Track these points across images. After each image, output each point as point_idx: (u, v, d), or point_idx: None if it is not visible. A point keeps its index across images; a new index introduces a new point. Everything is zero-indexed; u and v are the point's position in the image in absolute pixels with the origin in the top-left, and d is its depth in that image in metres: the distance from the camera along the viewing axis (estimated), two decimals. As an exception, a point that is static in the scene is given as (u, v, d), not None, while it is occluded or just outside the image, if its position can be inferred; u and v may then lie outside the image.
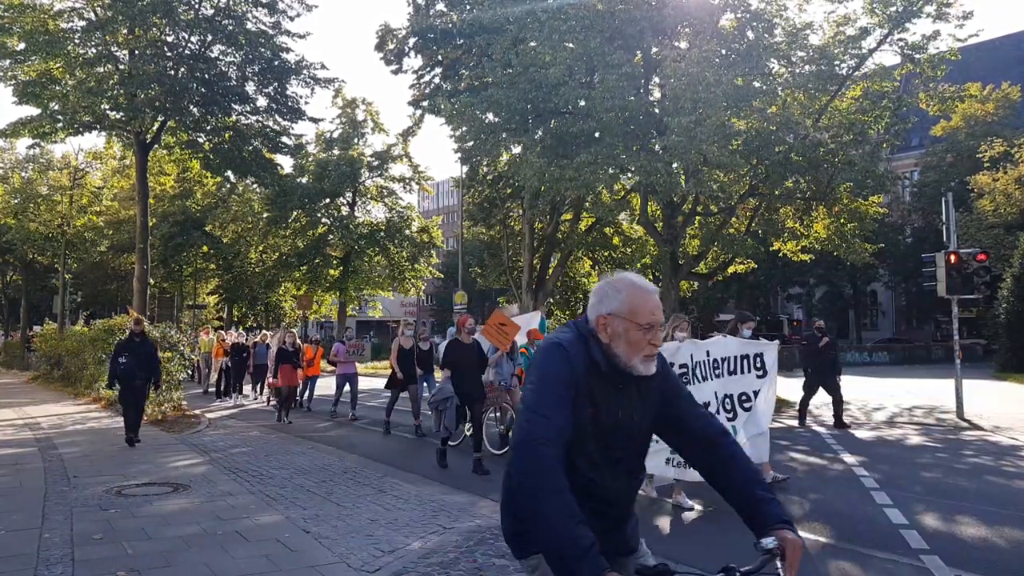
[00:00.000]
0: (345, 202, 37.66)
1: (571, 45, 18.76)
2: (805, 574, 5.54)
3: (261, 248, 40.87)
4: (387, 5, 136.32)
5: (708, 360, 7.27)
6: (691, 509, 7.24)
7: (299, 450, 10.74)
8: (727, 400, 7.36)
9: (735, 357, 7.56)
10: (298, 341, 15.47)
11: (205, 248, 38.20)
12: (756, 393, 7.62)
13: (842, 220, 20.80)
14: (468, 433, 10.52)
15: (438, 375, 13.73)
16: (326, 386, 18.08)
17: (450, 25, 24.03)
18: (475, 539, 6.00)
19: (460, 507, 7.19)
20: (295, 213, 35.91)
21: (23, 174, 35.77)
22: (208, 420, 14.36)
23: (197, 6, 22.98)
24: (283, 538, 6.03)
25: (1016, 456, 10.40)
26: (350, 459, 10.03)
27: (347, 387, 15.13)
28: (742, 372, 7.58)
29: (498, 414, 11.24)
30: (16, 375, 29.16)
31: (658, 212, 21.58)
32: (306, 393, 16.76)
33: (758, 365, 7.67)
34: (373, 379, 24.31)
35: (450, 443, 10.27)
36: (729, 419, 7.18)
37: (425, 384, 13.30)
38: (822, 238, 21.44)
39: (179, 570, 5.27)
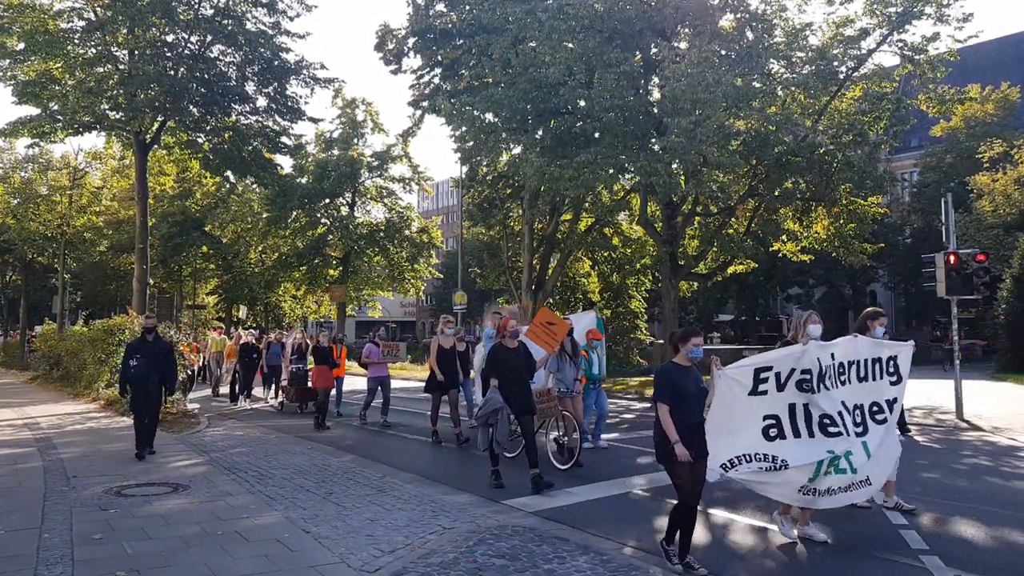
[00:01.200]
0: (345, 202, 37.66)
1: (571, 45, 18.77)
2: (805, 574, 5.55)
3: (261, 248, 40.87)
4: (387, 5, 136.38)
5: (834, 364, 6.16)
6: (823, 542, 6.09)
7: (299, 450, 10.74)
8: (857, 412, 6.20)
9: (865, 360, 6.39)
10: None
11: (205, 248, 38.18)
12: (891, 403, 6.41)
13: (841, 221, 20.83)
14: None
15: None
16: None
17: (450, 25, 24.04)
18: (475, 539, 6.01)
19: (460, 507, 7.19)
20: (295, 213, 35.89)
21: (23, 174, 35.76)
22: (208, 420, 14.36)
23: (196, 6, 22.99)
24: (283, 538, 6.03)
25: (1015, 456, 10.40)
26: (350, 459, 10.02)
27: (379, 391, 13.86)
28: (874, 378, 6.39)
29: (562, 424, 9.75)
30: (16, 375, 29.15)
31: (658, 212, 21.61)
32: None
33: (891, 369, 6.48)
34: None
35: (507, 454, 9.53)
36: (859, 434, 6.09)
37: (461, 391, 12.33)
38: (821, 239, 21.48)
39: (179, 570, 5.28)
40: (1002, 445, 11.48)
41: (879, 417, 6.33)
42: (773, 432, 5.94)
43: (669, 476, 5.44)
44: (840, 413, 6.07)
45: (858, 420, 6.18)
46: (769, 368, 5.96)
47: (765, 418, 5.95)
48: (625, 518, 7.00)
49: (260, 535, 6.13)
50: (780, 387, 5.96)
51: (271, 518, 6.70)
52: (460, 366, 12.05)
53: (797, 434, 5.96)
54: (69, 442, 11.24)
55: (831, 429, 6.00)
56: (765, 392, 5.93)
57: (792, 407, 5.99)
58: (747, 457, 5.87)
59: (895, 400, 6.49)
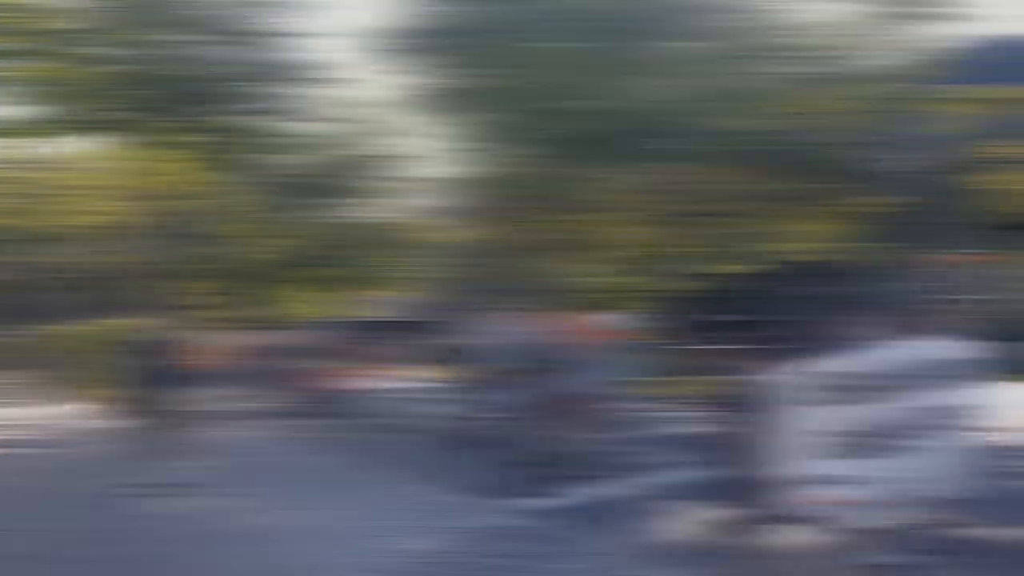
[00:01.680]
0: (344, 201, 37.65)
1: (572, 45, 18.79)
2: (805, 574, 5.55)
3: (261, 248, 40.84)
4: (387, 5, 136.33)
5: (900, 370, 5.98)
6: (903, 567, 5.62)
7: (301, 450, 10.74)
8: (918, 418, 6.04)
9: (927, 362, 6.23)
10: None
11: (205, 248, 38.15)
12: (949, 409, 6.31)
13: (842, 221, 20.88)
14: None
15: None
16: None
17: (450, 25, 24.03)
18: (475, 539, 6.01)
19: (461, 507, 7.19)
20: (295, 212, 35.89)
21: (22, 174, 35.71)
22: (210, 420, 14.33)
23: (197, 6, 22.96)
24: (283, 538, 6.04)
25: (1016, 456, 10.40)
26: (352, 459, 10.01)
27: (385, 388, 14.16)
28: (932, 385, 6.23)
29: (588, 427, 9.59)
30: (15, 375, 29.14)
31: (656, 211, 21.64)
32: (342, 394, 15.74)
33: (950, 372, 6.36)
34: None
35: (527, 457, 9.22)
36: (917, 440, 5.91)
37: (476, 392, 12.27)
38: (822, 239, 21.54)
39: (179, 570, 5.28)
40: (1003, 445, 11.47)
41: (938, 421, 6.11)
42: (844, 450, 5.57)
43: (737, 491, 5.34)
44: (911, 422, 5.86)
45: (919, 426, 5.98)
46: (830, 373, 5.64)
47: (834, 433, 5.56)
48: (625, 518, 7.00)
49: (260, 535, 6.14)
50: (846, 397, 5.64)
51: (272, 518, 6.70)
52: (472, 367, 11.92)
53: (870, 452, 5.65)
54: (69, 442, 11.24)
55: (903, 442, 5.77)
56: (830, 402, 5.57)
57: (863, 420, 5.67)
58: (816, 479, 5.46)
59: (949, 407, 6.25)
